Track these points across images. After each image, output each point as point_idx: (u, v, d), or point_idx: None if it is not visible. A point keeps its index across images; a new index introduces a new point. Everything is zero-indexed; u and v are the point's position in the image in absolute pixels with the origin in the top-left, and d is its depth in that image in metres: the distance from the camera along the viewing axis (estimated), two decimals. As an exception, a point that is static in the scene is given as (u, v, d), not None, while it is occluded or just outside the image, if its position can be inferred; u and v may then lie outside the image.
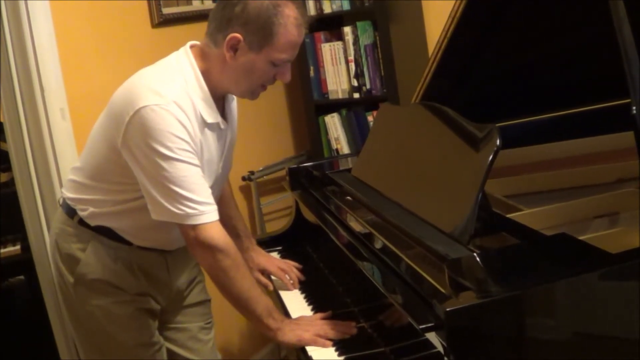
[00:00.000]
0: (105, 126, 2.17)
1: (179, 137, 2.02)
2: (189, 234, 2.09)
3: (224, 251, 2.08)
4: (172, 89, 2.07)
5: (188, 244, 2.13)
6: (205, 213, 2.07)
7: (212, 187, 2.18)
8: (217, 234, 2.09)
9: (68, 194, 2.32)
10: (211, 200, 2.10)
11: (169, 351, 2.49)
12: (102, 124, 2.20)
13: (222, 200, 2.43)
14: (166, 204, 2.05)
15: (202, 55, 2.16)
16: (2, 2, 2.92)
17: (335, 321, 2.05)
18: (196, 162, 2.06)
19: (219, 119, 2.18)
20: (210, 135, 2.17)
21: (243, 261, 2.14)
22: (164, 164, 2.01)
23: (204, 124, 2.13)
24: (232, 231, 2.41)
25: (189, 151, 2.04)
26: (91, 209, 2.25)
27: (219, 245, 2.08)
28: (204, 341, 2.58)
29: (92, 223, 2.26)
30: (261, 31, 2.05)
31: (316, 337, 2.01)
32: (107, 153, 2.15)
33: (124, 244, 2.27)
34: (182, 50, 2.20)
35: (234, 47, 2.09)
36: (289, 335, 2.06)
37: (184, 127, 2.03)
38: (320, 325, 2.05)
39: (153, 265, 2.33)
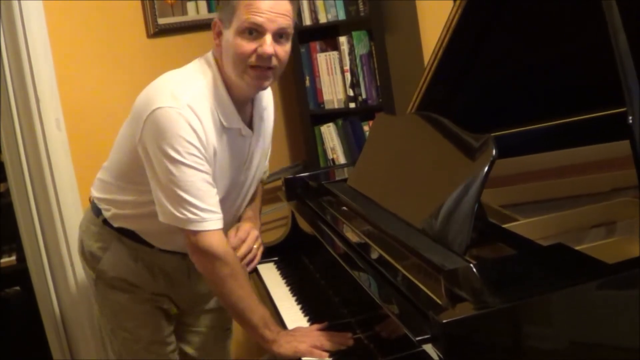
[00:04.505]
0: (128, 125, 2.20)
1: (189, 142, 2.03)
2: (190, 239, 2.10)
3: (222, 259, 2.09)
4: (189, 93, 2.08)
5: (188, 248, 2.14)
6: (207, 220, 2.07)
7: (228, 195, 2.21)
8: (217, 242, 2.09)
9: (95, 192, 2.37)
10: (216, 208, 2.10)
11: (182, 352, 2.53)
12: (127, 123, 2.23)
13: None
14: (170, 207, 2.06)
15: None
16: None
17: (332, 332, 2.04)
18: (204, 168, 2.07)
19: (240, 124, 2.18)
20: (229, 141, 2.17)
21: (242, 270, 2.15)
22: (171, 167, 2.03)
23: (223, 129, 2.13)
24: None
25: (198, 156, 2.05)
26: (113, 210, 2.29)
27: (218, 253, 2.08)
28: (220, 347, 2.63)
29: (115, 224, 2.30)
30: (227, 5, 2.07)
31: (312, 348, 2.00)
32: (130, 152, 2.18)
33: (146, 246, 2.31)
34: (207, 54, 2.22)
35: (218, 32, 2.13)
36: (285, 347, 2.05)
37: (195, 131, 2.03)
38: (317, 336, 2.04)
39: (174, 268, 2.36)
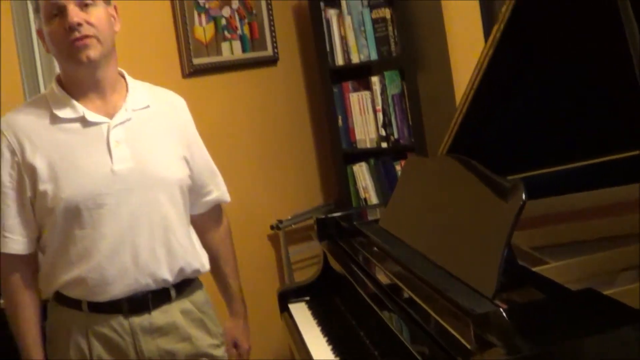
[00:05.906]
0: None
1: None
2: None
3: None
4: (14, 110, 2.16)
5: None
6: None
7: (105, 192, 2.08)
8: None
9: None
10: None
11: None
12: None
13: (212, 240, 2.43)
14: None
15: None
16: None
17: None
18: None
19: (81, 111, 2.11)
20: (72, 133, 2.11)
21: (21, 302, 2.14)
22: None
23: (57, 120, 2.11)
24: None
25: None
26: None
27: None
28: None
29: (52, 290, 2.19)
30: (35, 10, 2.13)
31: None
32: None
33: (76, 310, 2.14)
34: None
35: (41, 36, 2.14)
36: None
37: None
38: None
39: (115, 332, 2.13)
